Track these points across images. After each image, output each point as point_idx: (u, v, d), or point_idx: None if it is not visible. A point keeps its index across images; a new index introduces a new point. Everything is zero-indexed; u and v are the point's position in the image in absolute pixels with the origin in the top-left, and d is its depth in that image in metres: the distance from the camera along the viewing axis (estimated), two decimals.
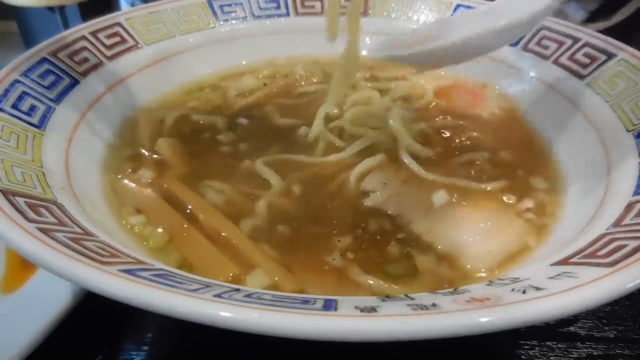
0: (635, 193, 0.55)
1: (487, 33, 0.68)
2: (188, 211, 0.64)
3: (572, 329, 0.66)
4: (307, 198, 0.67)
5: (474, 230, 0.61)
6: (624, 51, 0.75)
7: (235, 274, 0.55)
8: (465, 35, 0.68)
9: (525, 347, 0.63)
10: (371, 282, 0.54)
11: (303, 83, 0.97)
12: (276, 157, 0.75)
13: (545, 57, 0.87)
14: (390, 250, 0.59)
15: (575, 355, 0.62)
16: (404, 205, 0.65)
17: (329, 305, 0.37)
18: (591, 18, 1.12)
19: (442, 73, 0.99)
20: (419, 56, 0.72)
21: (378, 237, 0.61)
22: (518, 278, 0.43)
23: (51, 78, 0.71)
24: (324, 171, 0.72)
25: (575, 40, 0.83)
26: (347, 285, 0.55)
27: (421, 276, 0.56)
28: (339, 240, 0.60)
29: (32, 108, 0.65)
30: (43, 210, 0.48)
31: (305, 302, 0.38)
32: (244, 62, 1.02)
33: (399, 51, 0.75)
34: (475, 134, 0.82)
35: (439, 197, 0.65)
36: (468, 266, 0.57)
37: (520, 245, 0.60)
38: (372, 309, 0.36)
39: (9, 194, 0.48)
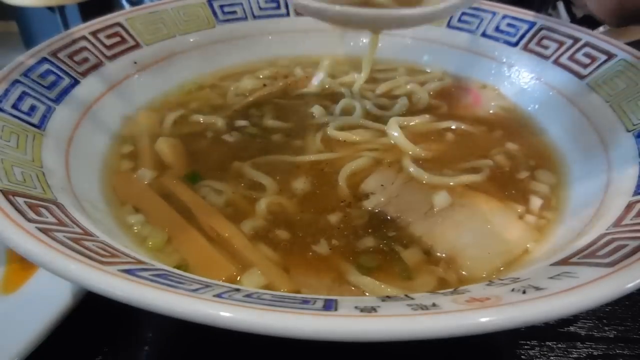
0: (635, 193, 0.55)
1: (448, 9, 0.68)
2: (187, 211, 0.64)
3: (572, 329, 0.66)
4: (306, 200, 0.67)
5: (475, 232, 0.61)
6: (624, 51, 0.75)
7: (231, 274, 0.55)
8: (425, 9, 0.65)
9: (525, 347, 0.63)
10: (368, 283, 0.54)
11: (303, 83, 0.97)
12: (274, 157, 0.75)
13: (545, 57, 0.87)
14: (389, 251, 0.59)
15: (575, 355, 0.62)
16: (405, 207, 0.65)
17: (329, 305, 0.37)
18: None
19: (442, 74, 0.99)
20: (354, 14, 0.65)
21: (377, 239, 0.61)
22: (518, 278, 0.43)
23: (51, 78, 0.71)
24: (323, 171, 0.72)
25: (575, 40, 0.83)
26: (343, 286, 0.55)
27: (420, 278, 0.56)
28: (336, 241, 0.60)
29: (32, 108, 0.65)
30: (43, 210, 0.48)
31: (305, 302, 0.38)
32: (244, 62, 1.03)
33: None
34: (474, 135, 0.82)
35: (440, 198, 0.65)
36: (466, 271, 0.57)
37: (520, 247, 0.60)
38: (372, 309, 0.36)
39: (9, 194, 0.48)
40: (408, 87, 0.95)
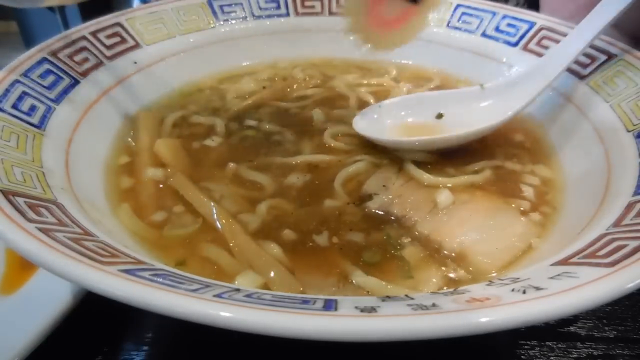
0: (635, 193, 0.55)
1: (482, 131, 0.74)
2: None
3: (572, 329, 0.66)
4: (308, 201, 0.67)
5: (481, 229, 0.61)
6: (624, 51, 0.75)
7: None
8: (461, 133, 0.73)
9: (525, 347, 0.63)
10: (373, 284, 0.54)
11: (302, 86, 0.97)
12: (273, 159, 0.75)
13: None
14: (396, 251, 0.59)
15: (575, 355, 0.62)
16: (409, 207, 0.65)
17: (329, 305, 0.37)
18: None
19: (441, 75, 1.00)
20: (405, 144, 0.76)
21: (383, 239, 0.61)
22: (518, 278, 0.43)
23: (51, 78, 0.71)
24: (325, 172, 0.72)
25: None
26: (347, 286, 0.55)
27: (430, 277, 0.56)
28: (340, 241, 0.60)
29: (32, 108, 0.65)
30: (43, 210, 0.48)
31: (305, 302, 0.38)
32: (244, 63, 1.03)
33: (385, 135, 0.78)
34: None
35: (443, 197, 0.65)
36: (477, 266, 0.57)
37: (525, 242, 0.60)
38: (372, 309, 0.36)
39: (9, 194, 0.48)
40: (404, 90, 0.95)
